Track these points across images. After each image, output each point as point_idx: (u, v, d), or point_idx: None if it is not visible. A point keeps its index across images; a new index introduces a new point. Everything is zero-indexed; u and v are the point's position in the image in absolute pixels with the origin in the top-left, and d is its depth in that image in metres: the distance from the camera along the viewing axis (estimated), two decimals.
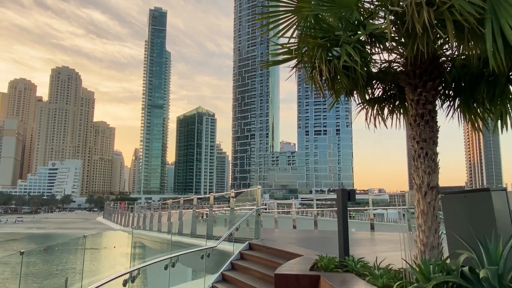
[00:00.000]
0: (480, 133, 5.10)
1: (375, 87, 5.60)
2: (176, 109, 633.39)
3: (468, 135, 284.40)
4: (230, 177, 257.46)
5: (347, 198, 5.79)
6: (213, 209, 13.22)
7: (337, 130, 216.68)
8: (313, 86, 4.88)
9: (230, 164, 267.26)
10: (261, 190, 9.79)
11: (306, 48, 4.57)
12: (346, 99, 5.62)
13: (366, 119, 6.05)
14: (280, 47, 4.95)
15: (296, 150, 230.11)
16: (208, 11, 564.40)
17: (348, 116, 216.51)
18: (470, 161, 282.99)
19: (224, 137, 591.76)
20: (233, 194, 11.46)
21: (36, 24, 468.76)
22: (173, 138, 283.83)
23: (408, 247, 4.29)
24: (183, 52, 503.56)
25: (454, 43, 4.04)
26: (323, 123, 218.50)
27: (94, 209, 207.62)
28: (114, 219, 35.20)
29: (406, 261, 3.96)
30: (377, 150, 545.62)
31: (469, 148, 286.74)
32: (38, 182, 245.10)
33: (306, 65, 4.79)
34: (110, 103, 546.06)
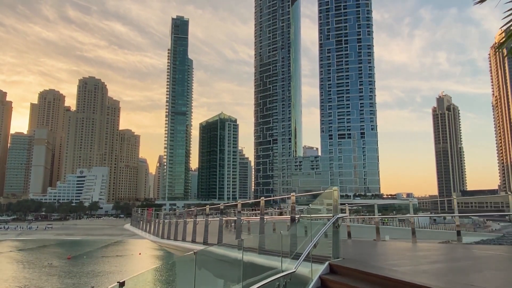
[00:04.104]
0: None
1: None
2: (197, 116, 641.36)
3: (499, 132, 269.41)
4: (253, 182, 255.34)
5: None
6: (265, 217, 10.98)
7: (362, 133, 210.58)
8: None
9: (253, 170, 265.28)
10: (338, 192, 7.45)
11: None
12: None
13: None
14: None
15: (320, 154, 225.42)
16: (225, 19, 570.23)
17: (373, 119, 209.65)
18: (503, 162, 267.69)
19: (246, 142, 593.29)
20: (294, 199, 9.23)
21: (61, 38, 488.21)
22: (196, 144, 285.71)
23: None
24: (202, 60, 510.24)
25: None
26: (347, 126, 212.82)
27: (121, 215, 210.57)
28: (142, 226, 33.64)
29: None
30: (402, 154, 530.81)
31: (501, 147, 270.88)
32: (67, 190, 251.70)
33: None
34: (134, 112, 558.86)
